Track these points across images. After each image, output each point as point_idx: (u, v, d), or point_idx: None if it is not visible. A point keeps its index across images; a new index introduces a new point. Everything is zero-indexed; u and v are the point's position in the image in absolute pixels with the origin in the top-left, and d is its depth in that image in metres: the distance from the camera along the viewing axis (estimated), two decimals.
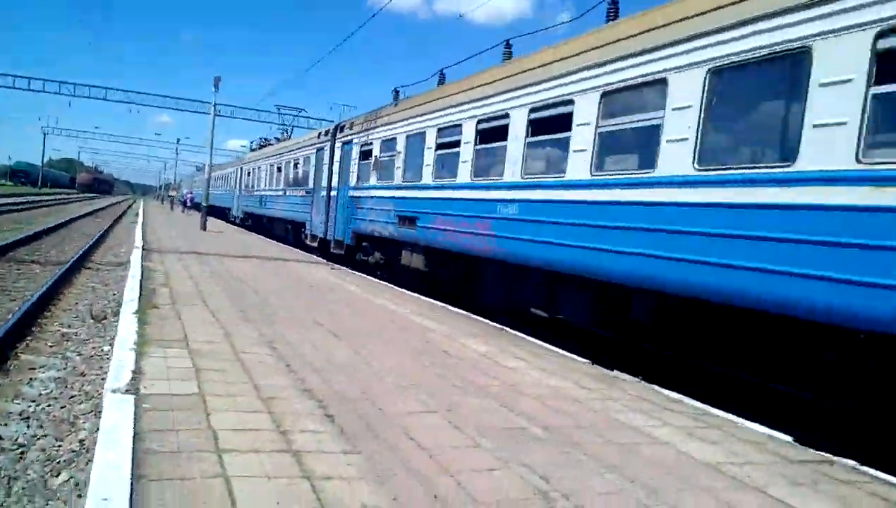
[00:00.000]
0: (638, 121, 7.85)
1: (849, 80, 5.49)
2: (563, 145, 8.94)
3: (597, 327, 9.32)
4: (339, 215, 18.54)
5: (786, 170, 5.96)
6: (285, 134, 35.92)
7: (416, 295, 12.57)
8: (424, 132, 13.34)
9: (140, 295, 9.20)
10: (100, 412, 4.73)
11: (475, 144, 11.21)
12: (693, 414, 5.79)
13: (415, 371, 6.34)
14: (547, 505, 3.59)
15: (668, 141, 7.22)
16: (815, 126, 5.73)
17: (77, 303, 10.50)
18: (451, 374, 6.33)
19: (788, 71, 6.15)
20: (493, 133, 10.73)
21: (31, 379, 6.24)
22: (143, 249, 16.57)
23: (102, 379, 5.99)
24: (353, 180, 17.62)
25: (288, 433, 4.27)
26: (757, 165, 6.39)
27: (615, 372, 7.30)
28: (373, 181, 16.06)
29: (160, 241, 20.14)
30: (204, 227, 27.85)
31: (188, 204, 49.82)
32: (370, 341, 7.58)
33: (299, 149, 24.66)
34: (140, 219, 32.22)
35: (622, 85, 7.97)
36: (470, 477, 3.84)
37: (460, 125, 11.77)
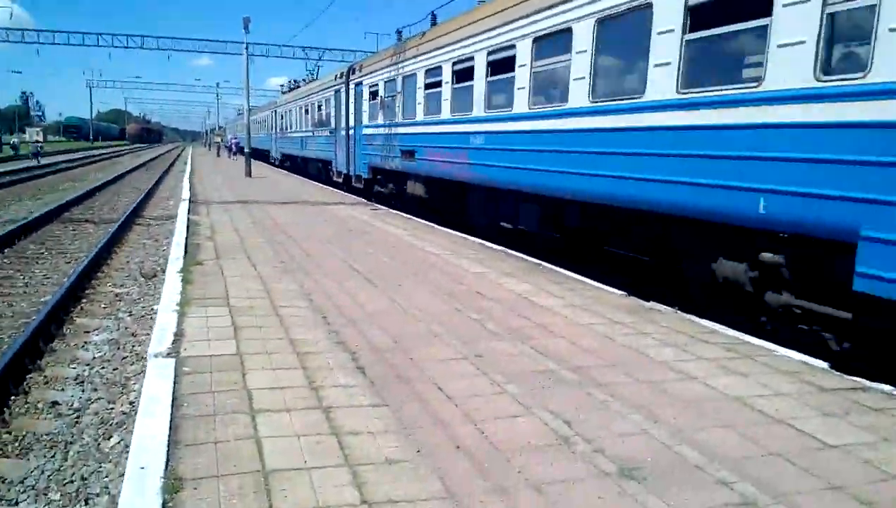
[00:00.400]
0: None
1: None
2: (507, 83, 10.52)
3: (542, 231, 11.04)
4: (357, 152, 20.07)
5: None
6: (311, 75, 36.37)
7: (454, 232, 12.63)
8: (415, 74, 14.73)
9: (185, 251, 9.50)
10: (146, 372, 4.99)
11: (452, 84, 12.75)
12: (727, 345, 5.75)
13: (448, 315, 6.44)
14: (567, 450, 3.68)
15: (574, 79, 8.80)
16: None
17: (128, 261, 10.92)
18: (484, 317, 6.42)
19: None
20: (463, 74, 12.27)
21: (85, 342, 6.60)
22: (191, 201, 17.00)
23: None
24: (365, 119, 18.97)
25: (320, 389, 4.44)
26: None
27: (651, 303, 7.27)
28: (380, 119, 17.39)
29: (206, 192, 20.58)
30: (249, 173, 28.25)
31: (233, 149, 50.44)
32: (405, 286, 7.71)
33: (321, 91, 25.68)
34: (188, 169, 32.87)
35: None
36: (493, 425, 3.95)
37: (440, 67, 13.29)
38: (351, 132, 20.63)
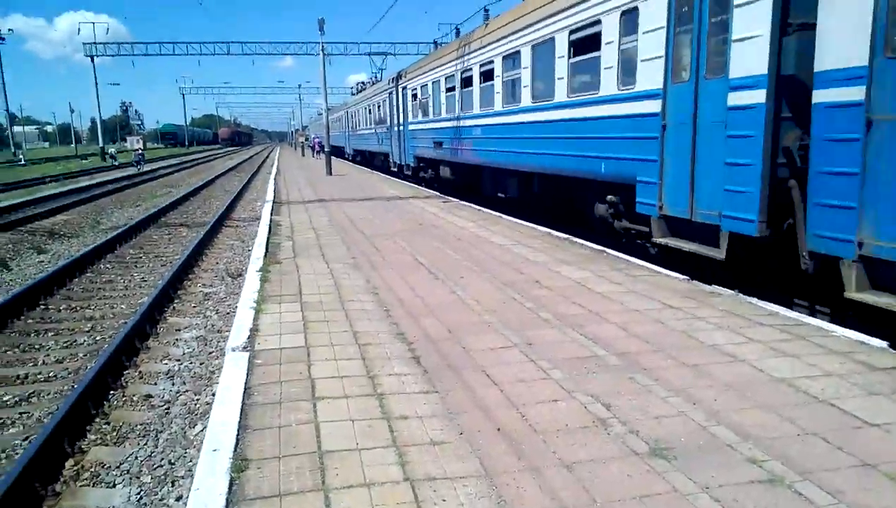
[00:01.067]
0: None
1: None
2: (490, 89, 15.01)
3: (520, 197, 14.99)
4: (406, 145, 24.92)
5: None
6: (376, 76, 42.75)
7: (520, 221, 12.81)
8: (439, 80, 19.77)
9: (266, 251, 10.14)
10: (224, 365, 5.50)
11: (460, 88, 17.41)
12: (783, 327, 5.75)
13: (504, 305, 6.69)
14: (603, 431, 3.88)
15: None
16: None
17: (217, 262, 11.72)
18: (538, 306, 6.63)
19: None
20: (466, 81, 16.94)
21: (176, 339, 7.25)
22: (274, 202, 17.88)
23: None
24: (410, 116, 23.96)
25: (376, 377, 4.80)
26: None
27: (713, 287, 7.27)
28: (419, 117, 22.34)
29: (289, 192, 21.53)
30: (329, 172, 29.23)
31: (316, 148, 52.12)
32: (466, 278, 8.00)
33: (379, 93, 31.09)
34: (274, 170, 34.30)
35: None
36: (534, 409, 4.19)
37: (453, 75, 18.08)
38: (400, 128, 25.49)
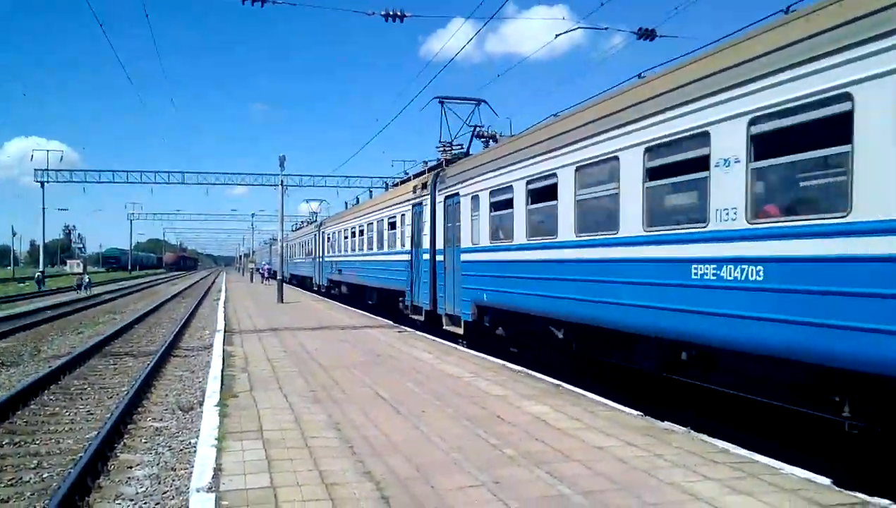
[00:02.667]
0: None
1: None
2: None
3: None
4: (323, 271, 25.01)
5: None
6: (315, 217, 47.93)
7: (475, 353, 13.03)
8: (341, 229, 32.08)
9: (221, 384, 10.01)
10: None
11: (352, 237, 26.58)
12: (735, 464, 5.99)
13: (468, 442, 6.78)
14: None
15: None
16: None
17: (167, 395, 11.45)
18: (502, 442, 6.75)
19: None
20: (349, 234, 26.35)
21: (128, 478, 7.02)
22: (225, 331, 17.70)
23: (190, 473, 6.68)
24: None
25: None
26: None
27: (666, 424, 7.53)
28: (331, 252, 32.92)
29: (240, 321, 21.35)
30: (281, 299, 29.20)
31: (265, 275, 52.08)
32: (428, 412, 8.08)
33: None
34: (222, 297, 33.99)
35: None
36: None
37: (351, 227, 28.51)
38: (321, 260, 31.30)
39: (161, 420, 9.69)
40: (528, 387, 9.65)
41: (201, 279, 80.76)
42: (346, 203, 40.20)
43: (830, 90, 5.97)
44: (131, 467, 7.43)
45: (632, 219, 8.73)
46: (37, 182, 60.41)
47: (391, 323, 20.05)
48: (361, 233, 27.21)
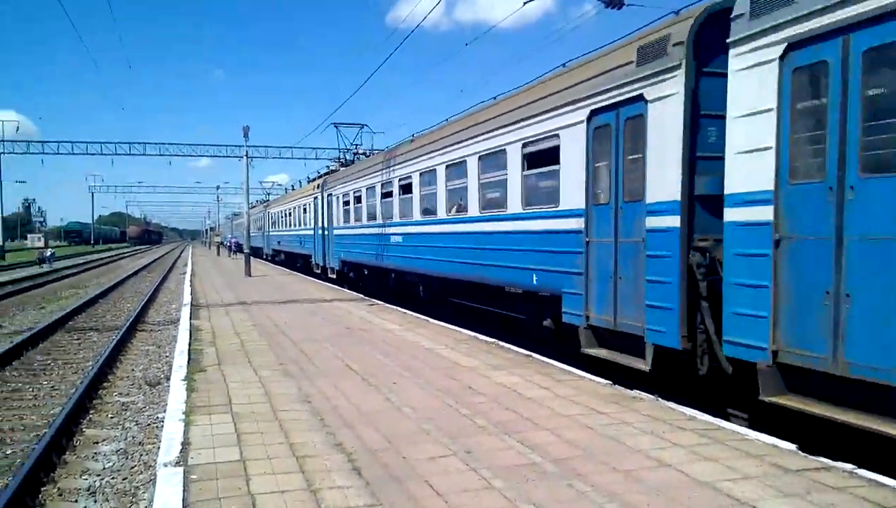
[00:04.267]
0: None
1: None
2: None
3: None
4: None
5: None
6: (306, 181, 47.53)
7: (447, 325, 13.06)
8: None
9: (189, 358, 9.88)
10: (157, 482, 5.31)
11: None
12: (702, 431, 6.11)
13: (439, 412, 6.80)
14: None
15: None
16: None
17: (133, 370, 11.28)
18: (473, 412, 6.78)
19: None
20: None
21: (95, 453, 6.92)
22: (192, 305, 17.46)
23: (158, 447, 6.60)
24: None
25: (318, 491, 4.77)
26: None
27: (635, 392, 7.64)
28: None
29: (207, 294, 21.09)
30: (249, 273, 28.87)
31: (232, 248, 51.49)
32: (399, 383, 8.08)
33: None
34: (188, 271, 33.51)
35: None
36: None
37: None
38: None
39: (128, 395, 9.56)
40: (499, 358, 9.71)
41: (167, 253, 79.47)
42: (298, 181, 44.97)
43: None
44: (98, 442, 7.32)
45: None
46: None
47: (362, 296, 20.00)
48: (290, 214, 37.99)
